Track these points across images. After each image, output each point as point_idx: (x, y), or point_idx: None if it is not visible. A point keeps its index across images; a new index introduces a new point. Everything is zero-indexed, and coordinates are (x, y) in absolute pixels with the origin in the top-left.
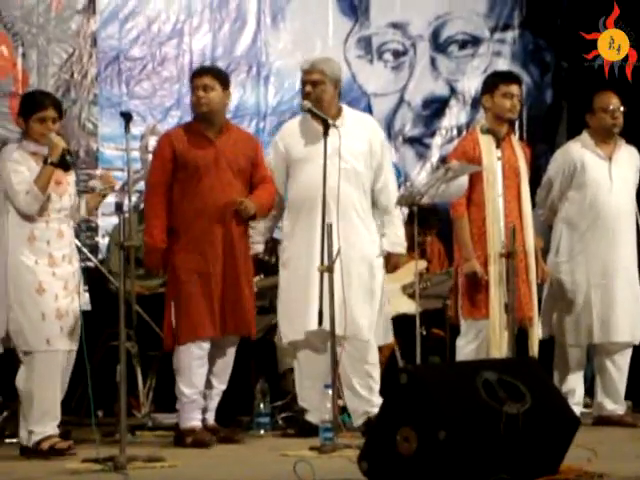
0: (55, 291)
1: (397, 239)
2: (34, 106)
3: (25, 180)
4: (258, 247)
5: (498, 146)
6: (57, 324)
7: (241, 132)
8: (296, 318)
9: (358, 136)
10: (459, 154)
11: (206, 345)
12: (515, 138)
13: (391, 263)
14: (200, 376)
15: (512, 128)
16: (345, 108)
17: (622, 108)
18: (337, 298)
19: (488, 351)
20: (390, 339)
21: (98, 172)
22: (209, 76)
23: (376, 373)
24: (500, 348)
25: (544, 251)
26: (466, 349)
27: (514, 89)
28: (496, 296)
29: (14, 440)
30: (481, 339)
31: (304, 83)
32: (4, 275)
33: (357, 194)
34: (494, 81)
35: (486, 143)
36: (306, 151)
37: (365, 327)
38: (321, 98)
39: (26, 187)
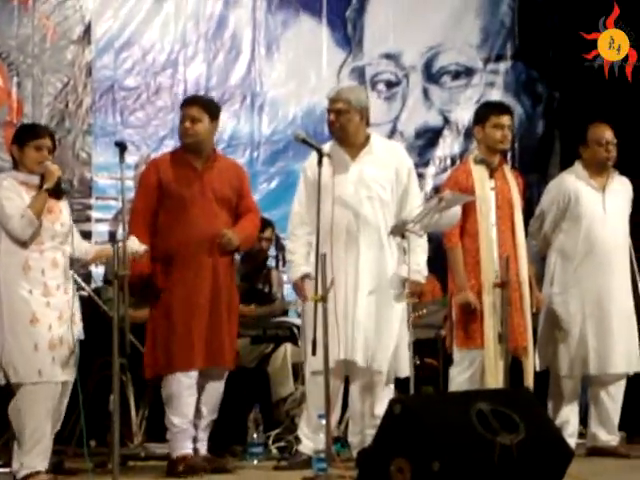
0: (49, 321)
1: (417, 267)
2: (31, 134)
3: (18, 205)
4: (304, 269)
5: (491, 176)
6: (49, 355)
7: (227, 161)
8: (336, 346)
9: (385, 164)
10: (452, 184)
11: (194, 374)
12: (508, 168)
13: (410, 291)
14: (189, 405)
15: (504, 158)
16: (374, 136)
17: (615, 141)
18: (361, 328)
19: (484, 381)
20: (407, 372)
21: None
22: (197, 107)
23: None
24: (497, 378)
25: (537, 281)
26: (459, 378)
27: (505, 120)
28: (490, 326)
29: (7, 470)
30: (474, 368)
31: (329, 111)
32: None
33: (383, 221)
34: (485, 112)
35: (479, 173)
36: (332, 179)
37: (379, 358)
38: (345, 127)
39: (20, 211)
